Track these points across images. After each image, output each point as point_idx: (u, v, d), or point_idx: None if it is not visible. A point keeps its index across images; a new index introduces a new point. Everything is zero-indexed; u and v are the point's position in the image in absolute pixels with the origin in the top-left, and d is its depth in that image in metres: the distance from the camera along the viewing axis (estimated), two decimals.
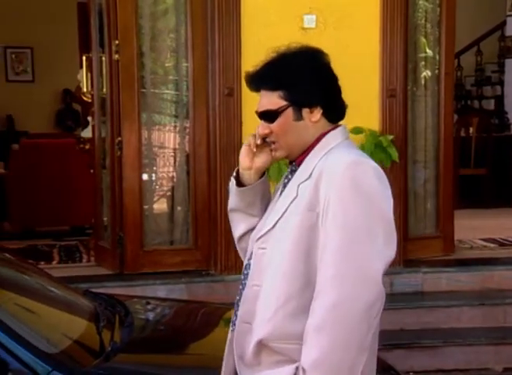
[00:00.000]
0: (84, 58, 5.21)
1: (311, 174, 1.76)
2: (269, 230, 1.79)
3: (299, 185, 1.77)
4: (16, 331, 2.23)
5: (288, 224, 1.75)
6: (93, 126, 5.05)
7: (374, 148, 4.42)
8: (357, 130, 4.45)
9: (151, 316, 3.24)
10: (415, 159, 4.91)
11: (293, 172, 1.84)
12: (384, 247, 1.70)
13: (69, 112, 9.57)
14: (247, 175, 1.86)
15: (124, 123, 4.38)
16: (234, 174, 1.90)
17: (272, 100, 1.78)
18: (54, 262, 5.07)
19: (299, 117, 1.78)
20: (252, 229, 1.90)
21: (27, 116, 9.33)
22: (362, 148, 4.43)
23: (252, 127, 4.93)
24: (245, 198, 1.88)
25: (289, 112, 1.78)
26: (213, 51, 4.36)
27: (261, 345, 1.74)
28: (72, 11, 7.72)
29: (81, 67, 5.61)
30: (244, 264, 1.87)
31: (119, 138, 4.39)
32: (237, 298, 1.86)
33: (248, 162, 1.85)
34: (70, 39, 8.22)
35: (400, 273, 4.50)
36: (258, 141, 1.82)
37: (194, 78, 4.44)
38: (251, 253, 1.85)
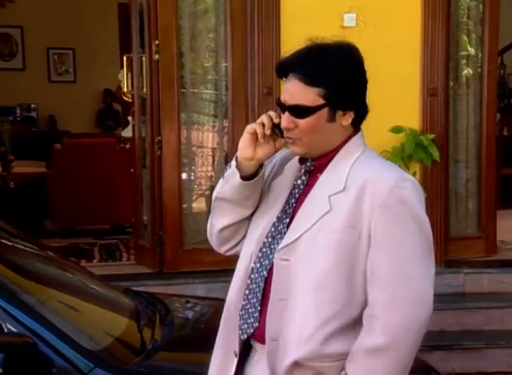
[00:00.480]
0: (125, 58, 5.26)
1: (345, 186, 1.69)
2: (294, 241, 1.71)
3: (330, 197, 1.69)
4: (59, 328, 2.26)
5: (324, 240, 1.67)
6: (133, 126, 5.09)
7: (414, 147, 4.37)
8: (397, 129, 4.41)
9: (190, 314, 3.25)
10: (457, 159, 4.84)
11: (307, 173, 1.76)
12: (431, 269, 1.70)
13: (110, 111, 9.67)
14: (247, 165, 1.75)
15: (164, 122, 4.41)
16: (234, 163, 1.77)
17: (308, 95, 1.67)
18: (95, 261, 5.13)
19: (332, 119, 1.70)
20: (240, 221, 1.82)
21: (69, 116, 9.46)
22: (402, 147, 4.39)
23: None
24: (245, 191, 1.77)
25: (324, 111, 1.69)
26: (252, 51, 4.36)
27: (296, 365, 1.70)
28: (113, 12, 7.79)
29: (122, 67, 5.67)
30: (250, 267, 1.77)
31: (159, 138, 4.42)
32: (244, 302, 1.77)
33: (251, 151, 1.73)
34: (111, 40, 8.30)
35: (441, 274, 4.43)
36: (268, 132, 1.72)
37: (234, 77, 4.44)
38: (259, 258, 1.76)
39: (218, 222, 1.85)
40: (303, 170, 1.78)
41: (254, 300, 1.76)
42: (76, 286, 2.94)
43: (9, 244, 2.98)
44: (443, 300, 4.35)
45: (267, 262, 1.75)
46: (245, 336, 1.77)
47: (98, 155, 6.43)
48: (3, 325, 2.18)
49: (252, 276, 1.77)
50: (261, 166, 1.77)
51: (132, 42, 4.85)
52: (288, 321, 1.69)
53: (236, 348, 1.79)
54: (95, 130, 9.46)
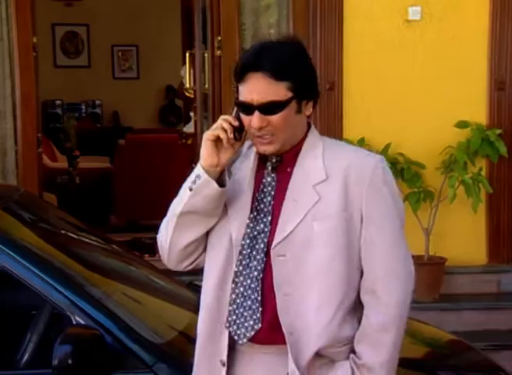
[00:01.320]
0: (187, 54, 5.30)
1: (327, 174, 1.72)
2: (288, 235, 1.72)
3: (315, 186, 1.72)
4: (125, 321, 2.28)
5: (321, 228, 1.71)
6: (195, 122, 5.13)
7: (480, 143, 4.27)
8: (462, 124, 4.32)
9: None
10: None
11: (273, 169, 1.76)
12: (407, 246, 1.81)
13: (172, 107, 9.77)
14: (213, 173, 1.73)
15: None
16: (203, 173, 1.72)
17: (277, 90, 1.68)
18: (157, 255, 5.16)
19: (299, 110, 1.72)
20: (206, 232, 1.79)
21: (132, 112, 9.60)
22: (468, 142, 4.30)
23: (354, 121, 4.86)
24: (220, 199, 1.74)
25: (293, 104, 1.70)
26: (314, 46, 4.34)
27: (317, 354, 1.74)
28: (176, 9, 7.87)
29: (184, 64, 5.72)
30: (231, 272, 1.75)
31: None
32: (232, 307, 1.76)
33: (216, 158, 1.72)
34: (173, 36, 8.39)
35: (507, 272, 4.33)
36: (231, 136, 1.71)
37: None
38: (241, 261, 1.75)
39: (182, 238, 1.80)
40: (269, 168, 1.77)
41: (249, 302, 1.75)
42: (140, 279, 2.97)
43: (76, 237, 3.04)
44: (510, 299, 4.25)
45: (255, 263, 1.75)
46: (244, 341, 1.76)
47: (161, 151, 6.51)
48: (71, 317, 2.21)
49: (236, 279, 1.76)
50: (222, 173, 1.75)
51: (194, 38, 4.88)
52: (300, 313, 1.72)
53: (224, 357, 1.78)
54: (158, 126, 9.57)
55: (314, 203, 1.72)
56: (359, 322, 1.77)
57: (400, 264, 1.76)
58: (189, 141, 5.66)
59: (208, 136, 1.73)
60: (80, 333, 2.18)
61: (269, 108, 1.69)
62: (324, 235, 1.71)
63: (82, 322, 2.21)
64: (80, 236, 3.06)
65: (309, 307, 1.72)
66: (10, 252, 2.28)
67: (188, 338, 2.54)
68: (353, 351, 1.77)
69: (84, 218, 3.25)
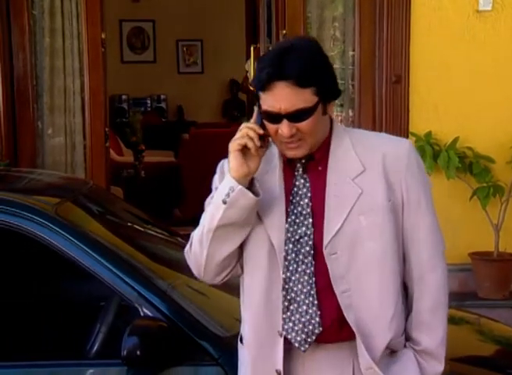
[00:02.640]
0: (252, 48, 5.31)
1: (364, 166, 1.72)
2: (337, 233, 1.72)
3: (354, 180, 1.72)
4: (191, 313, 2.29)
5: (369, 222, 1.71)
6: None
7: None
8: None
9: None
10: None
11: (304, 168, 1.74)
12: None
13: (235, 102, 9.79)
14: (244, 183, 1.70)
15: None
16: (236, 184, 1.69)
17: (304, 97, 1.66)
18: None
19: (325, 111, 1.73)
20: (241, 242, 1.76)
21: (196, 106, 9.67)
22: None
23: (420, 115, 4.78)
24: (255, 208, 1.72)
25: (320, 107, 1.70)
26: (381, 38, 4.28)
27: (387, 346, 1.77)
28: (240, 4, 7.88)
29: (248, 58, 5.73)
30: (279, 278, 1.73)
31: None
32: (286, 314, 1.73)
33: (246, 168, 1.70)
34: (237, 31, 8.41)
35: None
36: (259, 144, 1.70)
37: (361, 66, 4.39)
38: (287, 267, 1.73)
39: (219, 251, 1.77)
40: (300, 169, 1.76)
41: (304, 307, 1.72)
42: None
43: (143, 230, 3.08)
44: None
45: (304, 267, 1.73)
46: (306, 347, 1.73)
47: (224, 145, 6.50)
48: (139, 309, 2.24)
49: (286, 286, 1.74)
50: (251, 180, 1.73)
51: (259, 32, 4.89)
52: (363, 308, 1.72)
53: (280, 366, 1.76)
54: (221, 121, 9.62)
55: (357, 197, 1.72)
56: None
57: (440, 246, 1.80)
58: None
59: (235, 146, 1.71)
60: (148, 325, 2.19)
61: (298, 115, 1.67)
62: (373, 228, 1.72)
63: (149, 314, 2.23)
64: (146, 229, 3.10)
65: (371, 300, 1.73)
66: (80, 244, 2.31)
67: None
68: (407, 338, 1.80)
69: (149, 211, 3.29)
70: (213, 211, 1.75)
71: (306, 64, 1.67)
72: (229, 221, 1.73)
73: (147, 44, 9.87)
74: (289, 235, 1.75)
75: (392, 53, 4.25)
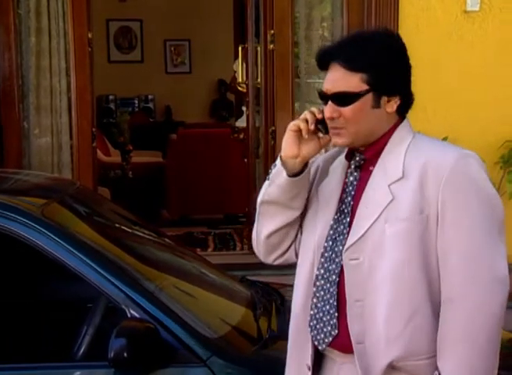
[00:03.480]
0: (240, 48, 5.30)
1: (403, 173, 1.63)
2: (360, 238, 1.65)
3: (390, 186, 1.64)
4: (179, 315, 2.28)
5: (393, 231, 1.61)
6: (247, 116, 5.13)
7: None
8: None
9: None
10: None
11: (357, 168, 1.71)
12: (502, 245, 1.65)
13: (224, 102, 9.78)
14: (292, 164, 1.70)
15: (278, 112, 4.42)
16: (280, 162, 1.71)
17: (351, 81, 1.63)
18: (209, 250, 5.22)
19: (376, 105, 1.65)
20: (288, 224, 1.76)
21: (184, 106, 9.65)
22: None
23: (409, 115, 4.79)
24: (292, 189, 1.71)
25: (369, 97, 1.64)
26: None
27: (391, 367, 1.64)
28: (228, 4, 7.87)
29: (236, 58, 5.72)
30: (313, 275, 1.72)
31: (273, 128, 4.43)
32: (313, 312, 1.72)
33: (296, 149, 1.69)
34: (224, 31, 8.40)
35: None
36: (312, 126, 1.68)
37: None
38: (322, 263, 1.70)
39: (264, 228, 1.79)
40: (353, 166, 1.72)
41: (327, 307, 1.70)
42: (193, 274, 2.98)
43: (131, 231, 3.06)
44: None
45: (334, 266, 1.70)
46: (323, 346, 1.72)
47: (212, 145, 6.52)
48: (126, 310, 2.22)
49: (318, 283, 1.72)
50: (305, 164, 1.72)
51: (247, 32, 4.88)
52: (370, 321, 1.64)
53: (309, 361, 1.75)
54: (209, 121, 9.61)
55: (387, 204, 1.63)
56: None
57: (480, 270, 1.60)
58: (241, 136, 5.67)
59: (290, 126, 1.71)
60: (135, 327, 2.18)
61: (341, 98, 1.64)
62: (395, 238, 1.62)
63: (136, 315, 2.22)
64: (134, 230, 3.08)
65: (379, 315, 1.63)
66: (66, 246, 2.29)
67: (241, 333, 2.54)
68: (437, 367, 1.63)
69: (136, 212, 3.27)
70: (263, 186, 1.79)
71: (359, 48, 1.65)
72: (270, 198, 1.75)
73: (135, 43, 9.83)
74: (331, 232, 1.72)
75: None
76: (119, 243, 2.71)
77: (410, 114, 4.98)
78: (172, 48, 9.90)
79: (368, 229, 1.65)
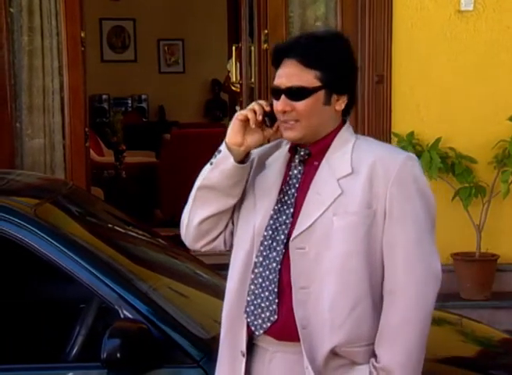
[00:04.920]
0: (234, 48, 5.30)
1: (352, 169, 1.72)
2: (308, 228, 1.72)
3: (339, 180, 1.72)
4: (172, 315, 2.28)
5: (341, 224, 1.70)
6: None
7: None
8: None
9: None
10: None
11: (301, 162, 1.77)
12: (435, 243, 1.77)
13: (218, 102, 9.78)
14: (235, 151, 1.75)
15: None
16: (224, 148, 1.76)
17: (306, 77, 1.71)
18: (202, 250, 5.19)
19: (327, 102, 1.73)
20: (223, 211, 1.80)
21: (178, 106, 9.64)
22: None
23: (403, 115, 4.79)
24: (235, 176, 1.76)
25: (321, 94, 1.71)
26: (363, 38, 4.29)
27: (333, 353, 1.72)
28: (221, 3, 7.87)
29: (230, 57, 5.71)
30: (251, 262, 1.77)
31: None
32: (250, 298, 1.77)
33: (240, 138, 1.75)
34: (219, 30, 8.40)
35: None
36: (260, 118, 1.73)
37: None
38: (261, 252, 1.76)
39: (198, 213, 1.82)
40: (297, 160, 1.78)
41: (266, 293, 1.76)
42: (186, 274, 2.98)
43: (124, 232, 3.05)
44: None
45: (274, 254, 1.76)
46: (260, 332, 1.77)
47: (206, 145, 6.48)
48: (119, 311, 2.22)
49: (256, 270, 1.77)
50: (247, 155, 1.78)
51: (241, 32, 4.88)
52: (315, 308, 1.71)
53: (243, 348, 1.79)
54: (203, 121, 9.60)
55: (336, 197, 1.71)
56: None
57: (421, 264, 1.72)
58: None
59: (237, 115, 1.77)
60: (128, 327, 2.18)
61: (294, 93, 1.71)
62: (343, 231, 1.70)
63: (130, 316, 2.22)
64: (127, 230, 3.08)
65: (325, 302, 1.71)
66: (59, 246, 2.29)
67: None
68: (374, 354, 1.73)
69: (130, 212, 3.27)
70: (202, 171, 1.82)
71: (315, 46, 1.73)
72: (210, 183, 1.78)
73: (128, 43, 9.82)
74: (271, 222, 1.77)
75: (374, 53, 4.26)
76: (112, 243, 2.70)
77: (404, 114, 4.98)
78: (166, 48, 9.89)
79: (315, 220, 1.72)
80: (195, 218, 1.83)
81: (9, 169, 4.16)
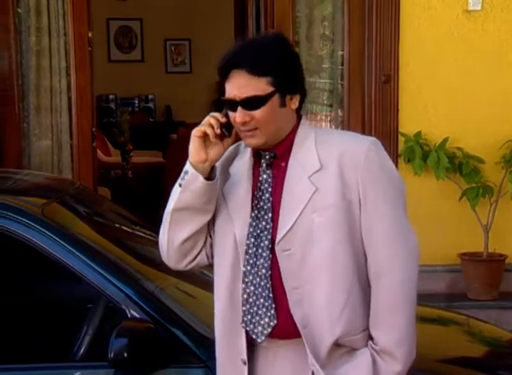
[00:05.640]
0: None
1: (321, 164, 1.74)
2: (290, 229, 1.74)
3: (310, 178, 1.74)
4: (179, 315, 2.28)
5: (321, 219, 1.72)
6: None
7: None
8: None
9: None
10: None
11: (268, 166, 1.78)
12: (408, 220, 1.81)
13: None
14: (201, 168, 1.77)
15: None
16: (191, 168, 1.78)
17: (258, 85, 1.72)
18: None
19: (283, 104, 1.76)
20: (200, 228, 1.82)
21: (184, 106, 9.65)
22: None
23: (410, 115, 4.79)
24: (207, 193, 1.78)
25: (276, 98, 1.74)
26: (370, 38, 4.29)
27: (335, 345, 1.76)
28: (228, 3, 7.86)
29: None
30: (239, 272, 1.78)
31: None
32: (245, 307, 1.78)
33: (204, 154, 1.77)
34: (225, 31, 8.38)
35: None
36: (218, 131, 1.76)
37: (350, 66, 4.39)
38: (247, 260, 1.77)
39: (177, 235, 1.84)
40: (264, 165, 1.80)
41: (261, 300, 1.77)
42: (193, 274, 2.97)
43: (131, 231, 3.06)
44: None
45: (262, 260, 1.77)
46: (262, 338, 1.78)
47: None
48: (126, 311, 2.23)
49: (246, 279, 1.79)
50: (212, 169, 1.79)
51: (248, 32, 4.88)
52: (311, 306, 1.74)
53: (244, 356, 1.81)
54: None
55: (311, 194, 1.73)
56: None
57: (401, 246, 1.76)
58: None
59: (195, 132, 1.78)
60: (135, 327, 2.19)
61: (251, 103, 1.72)
62: (325, 226, 1.72)
63: (137, 315, 2.22)
64: (133, 230, 3.09)
65: (320, 299, 1.74)
66: (67, 246, 2.30)
67: None
68: (370, 337, 1.78)
69: (136, 212, 3.28)
70: (172, 194, 1.83)
71: (260, 54, 1.74)
72: (183, 204, 1.80)
73: (135, 43, 9.84)
74: (251, 229, 1.79)
75: (381, 53, 4.26)
76: (119, 243, 2.71)
77: (411, 114, 4.97)
78: (173, 48, 9.91)
79: (295, 221, 1.74)
80: (175, 240, 1.84)
81: (17, 169, 4.18)
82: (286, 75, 1.75)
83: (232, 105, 1.74)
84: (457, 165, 4.25)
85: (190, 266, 1.91)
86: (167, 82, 9.67)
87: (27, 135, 4.66)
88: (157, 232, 3.17)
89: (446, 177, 4.22)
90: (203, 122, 1.79)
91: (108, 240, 2.65)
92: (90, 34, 4.63)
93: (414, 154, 4.17)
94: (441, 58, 4.31)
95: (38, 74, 4.63)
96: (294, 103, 1.78)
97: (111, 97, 9.49)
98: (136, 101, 9.82)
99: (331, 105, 4.61)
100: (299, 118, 1.82)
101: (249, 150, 1.83)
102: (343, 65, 4.44)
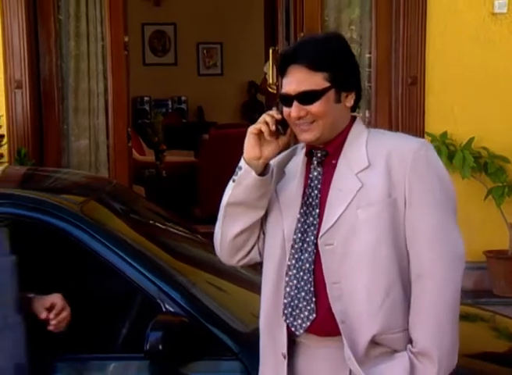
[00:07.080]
0: (271, 50, 5.37)
1: (369, 162, 1.75)
2: (334, 224, 1.75)
3: (357, 174, 1.75)
4: (211, 309, 2.33)
5: (365, 216, 1.72)
6: None
7: None
8: None
9: None
10: None
11: (319, 164, 1.80)
12: (457, 224, 1.78)
13: (254, 103, 9.84)
14: (255, 165, 1.79)
15: None
16: (245, 164, 1.80)
17: (315, 80, 1.74)
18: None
19: (338, 100, 1.77)
20: (254, 223, 1.84)
21: (216, 107, 9.72)
22: None
23: (436, 116, 4.82)
24: (260, 189, 1.80)
25: (331, 93, 1.75)
26: (397, 40, 4.33)
27: (373, 342, 1.75)
28: (259, 7, 7.93)
29: (267, 60, 5.79)
30: (284, 266, 1.80)
31: None
32: (287, 300, 1.80)
33: (258, 151, 1.78)
34: (256, 34, 8.45)
35: None
36: (273, 127, 1.77)
37: (377, 68, 4.44)
38: (293, 255, 1.79)
39: (230, 229, 1.86)
40: (315, 162, 1.82)
41: (303, 294, 1.79)
42: (224, 269, 3.01)
43: (165, 228, 3.10)
44: None
45: (306, 255, 1.79)
46: (301, 331, 1.80)
47: (243, 145, 6.57)
48: (162, 305, 2.28)
49: (290, 273, 1.80)
50: (266, 166, 1.81)
51: (278, 35, 4.94)
52: (350, 301, 1.74)
53: (284, 350, 1.83)
54: (240, 122, 9.67)
55: (357, 190, 1.74)
56: None
57: (445, 248, 1.74)
58: None
59: (251, 129, 1.81)
60: (170, 321, 2.22)
61: (306, 97, 1.74)
62: (368, 222, 1.73)
63: (171, 309, 2.26)
64: (167, 226, 3.11)
65: (359, 294, 1.74)
66: (104, 241, 2.36)
67: None
68: (410, 340, 1.76)
69: (170, 209, 3.31)
70: (227, 189, 1.86)
71: (319, 50, 1.77)
72: (236, 199, 1.82)
73: (169, 46, 9.94)
74: (299, 225, 1.81)
75: (408, 55, 4.30)
76: (153, 239, 2.76)
77: (437, 114, 5.01)
78: (205, 51, 9.98)
79: (340, 216, 1.75)
80: (228, 234, 1.87)
81: (57, 168, 4.30)
82: (343, 72, 1.77)
83: (288, 100, 1.76)
84: (483, 164, 4.26)
85: (242, 262, 1.94)
86: (199, 84, 9.74)
87: (66, 135, 4.76)
88: (190, 229, 3.26)
89: (471, 176, 4.24)
90: (259, 119, 1.80)
91: (143, 236, 2.70)
92: (126, 39, 4.72)
93: (440, 154, 4.20)
94: (467, 61, 4.33)
95: (77, 77, 4.74)
96: (349, 101, 1.79)
97: (145, 99, 9.60)
98: (170, 103, 9.92)
99: (358, 107, 4.64)
100: (353, 118, 1.84)
101: (304, 150, 1.86)
102: (370, 67, 4.48)
